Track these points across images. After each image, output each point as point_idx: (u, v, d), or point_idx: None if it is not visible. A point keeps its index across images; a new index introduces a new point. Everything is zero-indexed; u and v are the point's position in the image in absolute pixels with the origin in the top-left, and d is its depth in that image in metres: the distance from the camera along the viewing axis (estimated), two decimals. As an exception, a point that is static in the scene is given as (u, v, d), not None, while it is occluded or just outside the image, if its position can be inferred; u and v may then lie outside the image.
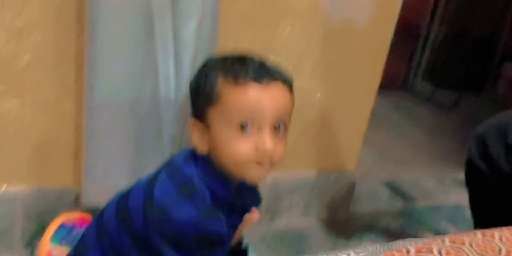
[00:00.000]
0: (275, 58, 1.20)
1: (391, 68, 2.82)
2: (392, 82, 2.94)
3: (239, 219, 0.81)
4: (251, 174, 0.71)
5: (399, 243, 0.64)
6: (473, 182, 1.02)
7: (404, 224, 1.60)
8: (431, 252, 0.62)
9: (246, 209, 0.82)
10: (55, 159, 1.08)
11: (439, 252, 0.62)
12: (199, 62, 1.04)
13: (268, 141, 0.69)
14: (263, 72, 0.71)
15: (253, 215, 0.82)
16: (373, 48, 1.37)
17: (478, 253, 0.63)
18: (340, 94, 1.39)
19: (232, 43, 1.18)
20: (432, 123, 2.62)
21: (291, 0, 1.21)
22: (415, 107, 2.85)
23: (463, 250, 0.62)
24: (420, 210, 1.70)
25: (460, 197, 1.81)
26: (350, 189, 1.54)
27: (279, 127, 0.71)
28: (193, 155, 0.75)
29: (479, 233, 0.67)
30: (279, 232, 1.40)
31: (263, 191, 1.36)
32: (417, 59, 3.00)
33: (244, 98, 0.69)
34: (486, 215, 1.01)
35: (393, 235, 1.51)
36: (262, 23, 1.20)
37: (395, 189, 1.82)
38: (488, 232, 0.67)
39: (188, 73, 1.04)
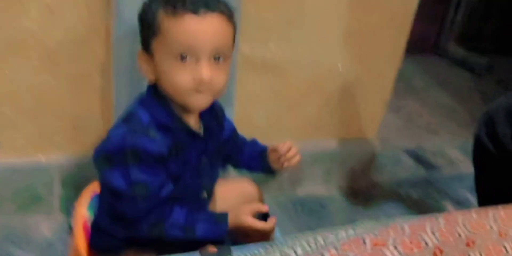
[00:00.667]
0: (297, 30, 1.25)
1: (421, 30, 2.76)
2: (423, 45, 2.87)
3: (211, 145, 0.84)
4: (192, 101, 0.75)
5: (396, 220, 0.68)
6: (480, 160, 1.03)
7: (425, 193, 1.62)
8: (424, 230, 0.65)
9: (215, 134, 0.86)
10: (87, 129, 1.15)
11: (432, 231, 0.65)
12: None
13: (204, 71, 0.72)
14: (200, 3, 0.72)
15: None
16: (398, 13, 1.35)
17: (470, 232, 0.66)
18: (363, 63, 1.39)
19: (254, 12, 1.19)
20: (462, 89, 2.57)
21: (315, -29, 1.20)
22: (445, 71, 2.79)
23: (455, 229, 0.66)
24: (442, 179, 1.72)
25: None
26: (371, 158, 1.57)
27: (219, 58, 0.74)
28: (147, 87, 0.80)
29: (473, 212, 0.70)
30: (300, 200, 1.46)
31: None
32: (449, 21, 2.89)
33: (182, 30, 0.71)
34: (490, 193, 1.03)
35: (413, 204, 1.54)
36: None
37: (418, 157, 1.83)
38: (483, 211, 0.70)
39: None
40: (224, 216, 0.79)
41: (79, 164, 1.16)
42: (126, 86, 1.08)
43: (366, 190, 1.57)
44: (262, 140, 1.38)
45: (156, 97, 0.78)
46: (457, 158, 1.89)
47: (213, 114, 0.86)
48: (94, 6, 1.03)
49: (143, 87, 1.07)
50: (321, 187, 1.52)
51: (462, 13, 2.86)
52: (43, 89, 1.06)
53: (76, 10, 1.02)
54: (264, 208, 0.80)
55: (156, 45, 0.74)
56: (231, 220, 0.78)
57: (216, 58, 0.74)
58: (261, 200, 1.02)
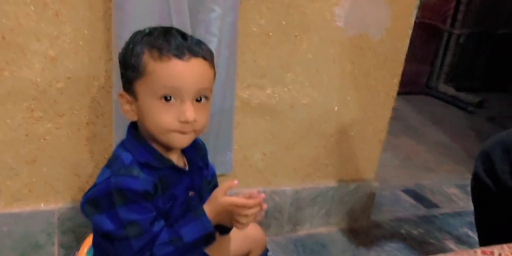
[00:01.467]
0: (292, 73, 1.29)
1: (413, 72, 2.84)
2: (415, 86, 2.95)
3: (197, 179, 0.85)
4: (175, 141, 0.78)
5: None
6: (479, 197, 1.04)
7: (426, 231, 1.62)
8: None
9: (200, 168, 0.88)
10: (88, 177, 1.15)
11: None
12: (219, 81, 1.11)
13: (188, 113, 0.76)
14: (185, 48, 0.76)
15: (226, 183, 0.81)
16: (389, 58, 1.40)
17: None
18: (358, 104, 1.42)
19: (251, 60, 1.24)
20: (455, 126, 2.62)
21: (306, 18, 1.25)
22: (438, 110, 2.85)
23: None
24: (442, 216, 1.72)
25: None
26: (370, 198, 1.57)
27: (201, 99, 0.79)
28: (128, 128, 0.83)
29: (479, 251, 0.70)
30: (301, 241, 1.45)
31: (285, 202, 1.42)
32: (439, 62, 2.99)
33: (167, 73, 0.75)
34: (491, 231, 1.03)
35: (414, 243, 1.53)
36: (279, 40, 1.25)
37: (417, 196, 1.84)
38: (488, 249, 0.70)
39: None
40: (200, 209, 0.80)
41: (80, 212, 1.15)
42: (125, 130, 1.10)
43: (366, 230, 1.56)
44: (262, 183, 1.40)
45: (136, 137, 0.81)
46: (455, 195, 1.90)
47: (196, 148, 0.89)
48: (94, 53, 1.06)
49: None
50: (322, 227, 1.51)
51: (451, 54, 2.96)
52: (45, 137, 1.08)
53: (77, 59, 1.05)
54: (233, 183, 0.81)
55: (140, 86, 0.77)
56: (211, 210, 0.79)
57: (199, 99, 0.78)
58: (265, 242, 1.02)
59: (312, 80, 1.33)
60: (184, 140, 0.79)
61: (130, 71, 0.78)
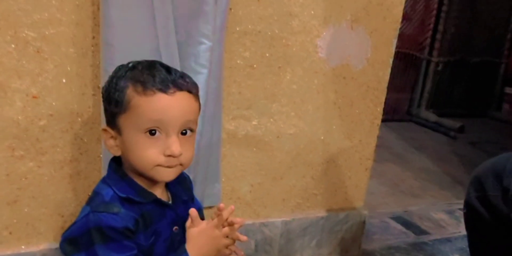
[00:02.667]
0: (277, 104, 1.29)
1: (394, 99, 2.89)
2: (396, 113, 3.00)
3: (182, 213, 0.83)
4: (160, 175, 0.77)
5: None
6: (473, 225, 1.03)
7: (417, 258, 1.60)
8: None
9: (185, 202, 0.86)
10: (72, 216, 1.12)
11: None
12: (208, 112, 1.11)
13: (174, 146, 0.75)
14: (169, 82, 0.76)
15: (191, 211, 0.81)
16: (372, 87, 1.42)
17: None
18: (343, 133, 1.43)
19: (236, 92, 1.24)
20: (438, 152, 2.64)
21: (289, 50, 1.27)
22: (421, 136, 2.88)
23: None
24: (431, 243, 1.71)
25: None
26: (360, 227, 1.55)
27: (186, 131, 0.78)
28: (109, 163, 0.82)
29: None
30: (293, 274, 1.42)
31: (275, 234, 1.40)
32: (419, 89, 3.05)
33: (152, 107, 0.74)
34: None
35: (406, 271, 1.51)
36: (263, 72, 1.26)
37: (405, 223, 1.83)
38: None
39: (199, 122, 1.07)
40: (181, 247, 0.78)
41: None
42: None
43: (358, 260, 1.54)
44: (250, 215, 1.37)
45: (118, 172, 0.80)
46: (443, 221, 1.90)
47: (179, 182, 0.87)
48: (77, 89, 1.05)
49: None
50: (312, 258, 1.48)
51: (430, 81, 3.03)
52: (26, 176, 1.05)
53: (60, 96, 1.04)
54: (193, 211, 0.80)
55: (124, 121, 0.76)
56: (192, 246, 0.78)
57: (184, 132, 0.78)
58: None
59: (297, 110, 1.34)
60: (169, 174, 0.78)
61: (113, 105, 0.77)
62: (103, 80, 1.01)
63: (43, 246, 1.10)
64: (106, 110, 0.81)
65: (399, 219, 1.85)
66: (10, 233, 1.06)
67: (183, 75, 0.80)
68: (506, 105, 3.19)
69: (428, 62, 3.02)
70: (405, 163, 2.44)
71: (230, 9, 1.15)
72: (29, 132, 1.02)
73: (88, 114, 1.08)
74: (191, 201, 0.90)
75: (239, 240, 0.83)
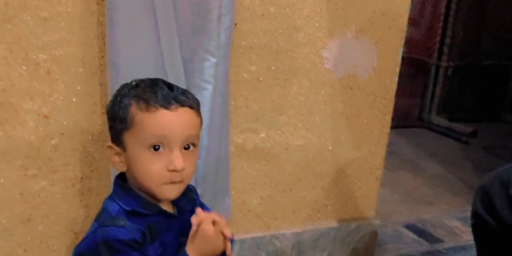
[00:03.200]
0: (284, 116, 1.30)
1: (404, 105, 2.88)
2: (407, 119, 2.98)
3: (188, 224, 0.81)
4: (165, 193, 0.79)
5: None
6: (480, 235, 1.02)
7: (431, 267, 1.59)
8: None
9: (190, 212, 0.85)
10: (84, 233, 1.13)
11: None
12: (214, 127, 1.12)
13: (177, 161, 0.77)
14: (171, 98, 0.79)
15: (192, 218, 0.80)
16: (379, 96, 1.42)
17: None
18: (352, 143, 1.43)
19: (244, 105, 1.25)
20: (451, 158, 2.61)
21: (296, 62, 1.28)
22: (432, 142, 2.86)
23: None
24: (446, 251, 1.69)
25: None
26: (372, 236, 1.55)
27: (189, 146, 0.80)
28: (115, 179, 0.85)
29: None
30: (305, 286, 1.41)
31: (286, 246, 1.40)
32: (429, 95, 3.03)
33: (155, 124, 0.77)
34: None
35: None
36: (270, 85, 1.27)
37: (419, 231, 1.81)
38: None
39: (204, 137, 1.09)
40: (182, 251, 0.78)
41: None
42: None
43: (371, 271, 1.53)
44: (261, 227, 1.38)
45: (123, 188, 0.82)
46: (457, 229, 1.87)
47: (183, 193, 0.87)
48: (87, 108, 1.07)
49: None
50: (326, 271, 1.48)
51: (440, 86, 3.01)
52: (39, 195, 1.07)
53: (71, 115, 1.06)
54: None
55: (128, 137, 0.79)
56: (193, 246, 0.77)
57: (187, 147, 0.80)
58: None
59: (305, 122, 1.34)
60: (173, 192, 0.80)
61: (118, 123, 0.80)
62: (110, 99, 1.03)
63: (58, 263, 1.12)
64: (110, 128, 0.83)
65: (412, 228, 1.83)
66: (25, 251, 1.08)
67: (184, 92, 0.83)
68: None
69: (438, 67, 3.00)
70: (417, 170, 2.42)
71: (236, 24, 1.17)
72: (41, 151, 1.05)
73: (98, 132, 1.10)
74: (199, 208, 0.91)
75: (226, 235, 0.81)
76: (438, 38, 2.92)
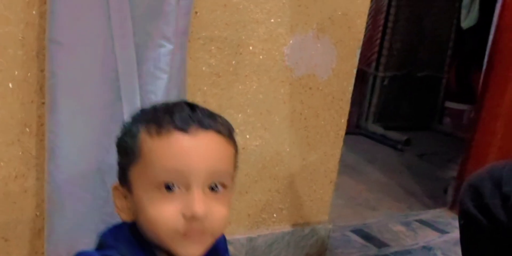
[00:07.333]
0: (243, 114, 1.23)
1: (344, 112, 2.93)
2: (346, 127, 3.03)
3: None
4: (182, 251, 0.58)
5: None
6: (470, 234, 1.01)
7: (380, 272, 1.58)
8: None
9: None
10: (17, 239, 0.99)
11: None
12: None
13: (196, 203, 0.56)
14: (191, 119, 0.59)
15: None
16: (336, 97, 1.40)
17: None
18: (309, 145, 1.39)
19: (201, 101, 1.17)
20: (389, 164, 2.68)
21: (257, 58, 1.22)
22: (370, 148, 2.92)
23: None
24: (392, 255, 1.70)
25: (427, 238, 1.84)
26: (325, 241, 1.51)
27: (216, 187, 0.59)
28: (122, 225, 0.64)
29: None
30: (259, 294, 1.34)
31: (239, 252, 1.32)
32: (367, 103, 3.11)
33: (167, 151, 0.57)
34: None
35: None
36: (229, 81, 1.20)
37: (366, 236, 1.81)
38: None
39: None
40: None
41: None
42: (61, 184, 0.96)
43: (323, 276, 1.49)
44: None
45: (127, 238, 0.62)
46: (402, 233, 1.90)
47: (217, 254, 0.68)
48: (26, 96, 0.95)
49: (82, 185, 0.95)
50: (281, 278, 1.42)
51: (377, 96, 3.09)
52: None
53: (6, 104, 0.93)
54: None
55: (134, 173, 0.60)
56: None
57: (212, 187, 0.59)
58: None
59: (263, 121, 1.28)
60: (193, 249, 0.58)
61: (124, 156, 0.62)
62: (48, 84, 0.91)
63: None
64: (118, 164, 0.65)
65: (359, 232, 1.82)
66: None
67: (212, 114, 0.62)
68: (447, 118, 3.33)
69: (375, 77, 3.09)
70: (358, 176, 2.45)
71: (196, 12, 1.09)
72: (-32, 144, 0.90)
73: (38, 125, 0.96)
74: None
75: None
76: (377, 49, 3.01)
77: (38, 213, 0.99)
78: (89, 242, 0.98)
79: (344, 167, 2.52)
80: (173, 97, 1.05)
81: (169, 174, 0.57)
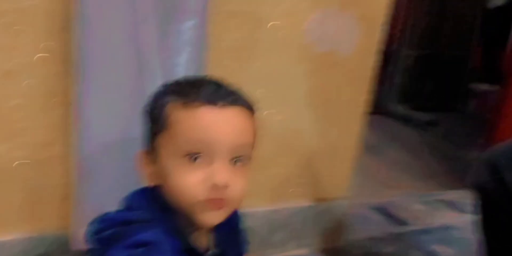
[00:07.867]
0: (263, 90, 1.24)
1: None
2: (369, 107, 3.01)
3: None
4: (202, 217, 0.62)
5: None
6: (486, 209, 1.00)
7: (398, 248, 1.59)
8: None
9: (233, 251, 0.74)
10: (45, 204, 1.03)
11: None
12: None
13: (221, 174, 0.59)
14: (218, 94, 0.62)
15: None
16: (358, 75, 1.39)
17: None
18: (329, 121, 1.39)
19: (221, 76, 1.18)
20: (411, 144, 2.67)
21: (279, 34, 1.22)
22: (392, 129, 2.90)
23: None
24: (412, 233, 1.71)
25: (446, 218, 1.85)
26: (344, 217, 1.53)
27: (238, 160, 0.63)
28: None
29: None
30: (276, 266, 1.38)
31: (256, 225, 1.35)
32: (389, 83, 3.07)
33: (194, 123, 0.60)
34: (500, 243, 1.00)
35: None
36: (250, 56, 1.20)
37: (385, 213, 1.82)
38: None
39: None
40: None
41: (36, 243, 1.03)
42: (87, 154, 1.00)
43: (339, 250, 1.52)
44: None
45: (156, 202, 0.65)
46: (421, 211, 1.90)
47: (231, 226, 0.73)
48: (53, 67, 0.97)
49: (106, 155, 0.98)
50: (295, 249, 1.44)
51: (400, 75, 3.05)
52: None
53: (33, 76, 0.96)
54: None
55: (161, 142, 0.63)
56: None
57: (235, 160, 0.62)
58: None
59: (284, 97, 1.29)
60: (212, 218, 0.62)
61: (152, 124, 0.66)
62: (78, 57, 0.93)
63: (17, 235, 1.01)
64: (146, 131, 0.68)
65: (378, 210, 1.84)
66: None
67: (236, 90, 0.67)
68: (473, 99, 3.27)
69: (398, 56, 3.04)
70: (380, 155, 2.45)
71: (217, -13, 1.09)
72: (2, 111, 0.93)
73: (64, 94, 0.99)
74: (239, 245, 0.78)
75: None
76: (400, 27, 2.96)
77: (65, 180, 1.03)
78: (114, 208, 1.03)
79: (366, 146, 2.52)
80: (193, 71, 1.07)
81: (195, 145, 0.60)
